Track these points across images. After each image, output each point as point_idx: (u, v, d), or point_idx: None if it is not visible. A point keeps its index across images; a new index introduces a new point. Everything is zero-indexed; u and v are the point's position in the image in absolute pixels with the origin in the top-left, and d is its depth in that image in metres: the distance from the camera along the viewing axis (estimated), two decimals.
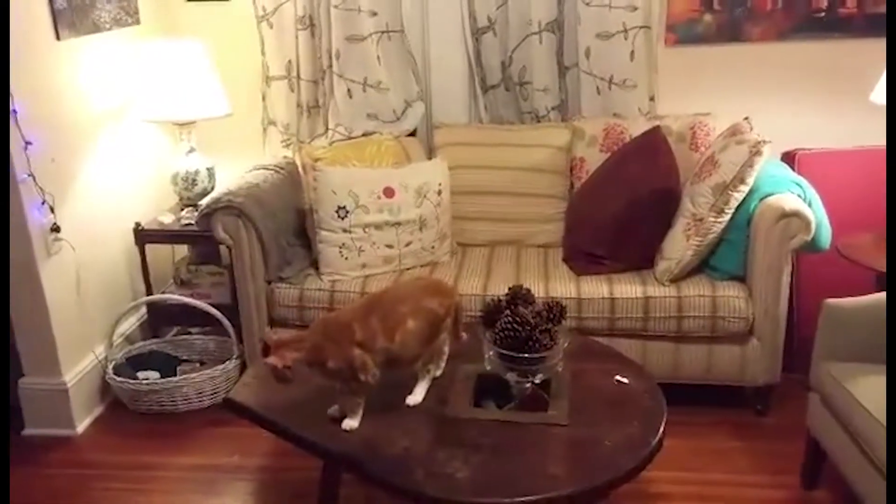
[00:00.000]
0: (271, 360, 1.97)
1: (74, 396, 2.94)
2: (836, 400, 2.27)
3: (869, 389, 2.18)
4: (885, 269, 2.71)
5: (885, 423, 2.04)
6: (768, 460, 2.68)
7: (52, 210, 2.80)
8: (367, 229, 3.00)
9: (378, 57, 3.40)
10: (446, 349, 2.24)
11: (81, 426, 2.98)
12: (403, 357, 2.08)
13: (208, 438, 2.90)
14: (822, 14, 3.22)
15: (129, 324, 3.36)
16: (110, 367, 3.06)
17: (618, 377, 2.26)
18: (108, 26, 3.15)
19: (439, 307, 2.14)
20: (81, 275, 2.98)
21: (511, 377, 2.11)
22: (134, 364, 3.13)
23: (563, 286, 2.87)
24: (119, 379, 3.01)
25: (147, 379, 3.03)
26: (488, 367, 2.14)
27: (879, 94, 2.83)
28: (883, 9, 3.18)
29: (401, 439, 2.00)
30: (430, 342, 2.14)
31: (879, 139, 3.13)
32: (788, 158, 3.25)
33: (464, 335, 2.27)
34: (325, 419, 2.08)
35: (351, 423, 2.05)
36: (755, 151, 2.69)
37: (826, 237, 2.79)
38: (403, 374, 2.14)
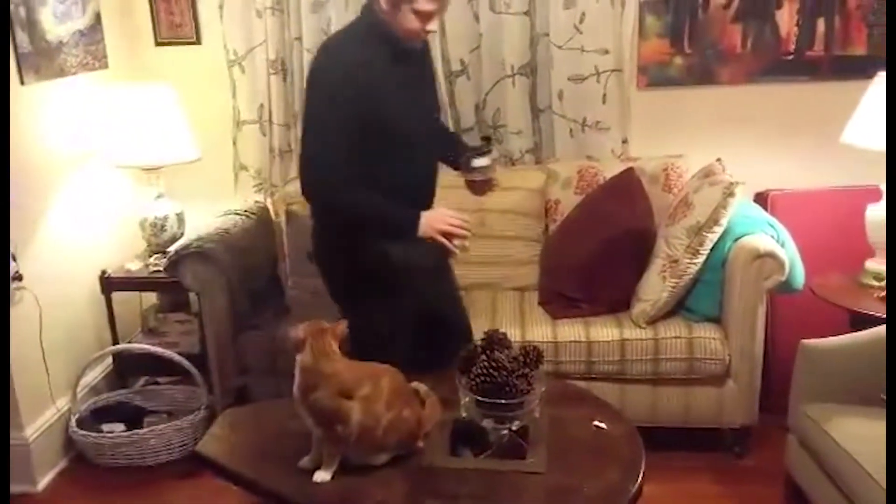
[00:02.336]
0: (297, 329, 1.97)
1: (35, 451, 2.84)
2: (815, 441, 2.25)
3: (847, 430, 2.16)
4: (858, 309, 2.72)
5: (862, 464, 2.02)
6: (747, 503, 2.65)
7: (14, 258, 2.73)
8: None
9: None
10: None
11: (42, 483, 2.88)
12: (375, 437, 1.98)
13: (175, 492, 2.81)
14: (791, 56, 3.27)
15: (95, 374, 3.26)
16: (74, 419, 2.96)
17: (596, 422, 2.22)
18: (74, 70, 3.11)
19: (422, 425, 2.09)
20: (44, 324, 2.88)
21: (488, 424, 2.06)
22: (99, 416, 3.04)
23: (539, 330, 2.84)
24: (82, 432, 2.91)
25: (112, 432, 2.94)
26: (464, 414, 2.09)
27: (851, 135, 2.86)
28: (850, 51, 3.23)
29: (375, 491, 1.94)
30: (399, 442, 2.03)
31: (850, 180, 3.17)
32: (761, 199, 3.27)
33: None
34: (297, 471, 2.01)
35: (323, 476, 1.97)
36: (728, 193, 2.70)
37: (799, 278, 2.80)
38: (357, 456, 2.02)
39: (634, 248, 2.93)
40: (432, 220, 2.34)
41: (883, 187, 2.85)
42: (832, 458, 2.16)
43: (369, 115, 2.20)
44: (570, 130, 3.34)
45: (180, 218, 3.33)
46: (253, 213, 3.26)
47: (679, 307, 2.88)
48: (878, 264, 2.86)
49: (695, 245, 2.74)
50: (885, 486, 1.94)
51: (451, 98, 3.40)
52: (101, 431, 2.94)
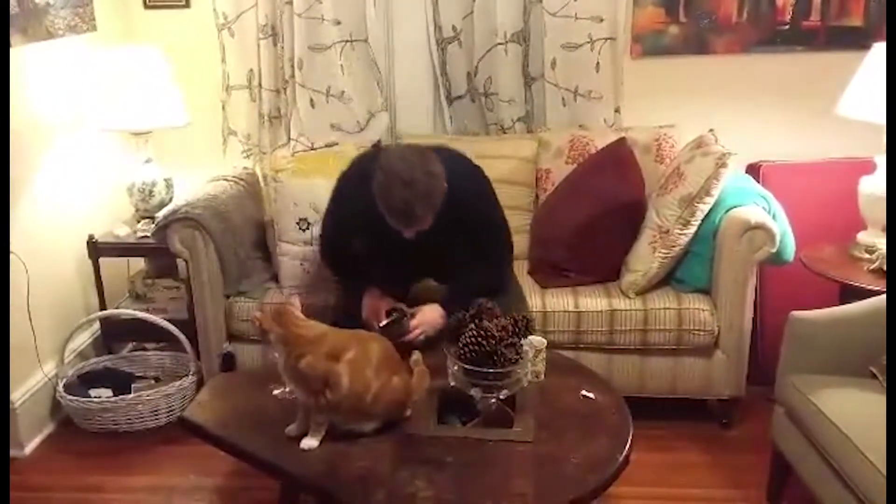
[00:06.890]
0: (257, 314, 2.03)
1: (22, 416, 2.83)
2: (801, 413, 2.26)
3: (834, 402, 2.17)
4: (849, 282, 2.72)
5: (849, 435, 2.03)
6: (733, 474, 2.66)
7: None
8: None
9: (342, 66, 3.35)
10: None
11: (30, 447, 2.87)
12: (364, 404, 1.98)
13: (163, 458, 2.81)
14: (786, 27, 3.24)
15: (82, 340, 3.25)
16: (61, 384, 2.95)
17: (584, 392, 2.23)
18: (62, 33, 3.06)
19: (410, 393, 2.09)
20: (32, 289, 2.85)
21: (476, 393, 2.06)
22: (87, 381, 3.03)
23: (528, 299, 2.82)
24: (70, 397, 2.90)
25: (99, 397, 2.93)
26: (452, 383, 2.09)
27: (846, 107, 2.84)
28: (846, 22, 3.20)
29: (361, 458, 1.94)
30: (388, 410, 2.04)
31: (843, 152, 3.15)
32: (753, 171, 3.25)
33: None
34: (284, 438, 2.02)
35: (310, 443, 1.98)
36: (721, 163, 2.69)
37: (790, 249, 2.80)
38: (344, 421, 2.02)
39: (625, 218, 2.92)
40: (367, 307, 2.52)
41: (877, 160, 2.83)
42: (819, 429, 2.16)
43: None
44: (563, 99, 3.31)
45: (168, 183, 3.30)
46: (241, 179, 3.23)
47: (669, 278, 2.87)
48: (869, 237, 2.86)
49: (686, 216, 2.73)
50: (870, 457, 1.95)
51: (443, 65, 3.36)
52: (89, 396, 2.93)
